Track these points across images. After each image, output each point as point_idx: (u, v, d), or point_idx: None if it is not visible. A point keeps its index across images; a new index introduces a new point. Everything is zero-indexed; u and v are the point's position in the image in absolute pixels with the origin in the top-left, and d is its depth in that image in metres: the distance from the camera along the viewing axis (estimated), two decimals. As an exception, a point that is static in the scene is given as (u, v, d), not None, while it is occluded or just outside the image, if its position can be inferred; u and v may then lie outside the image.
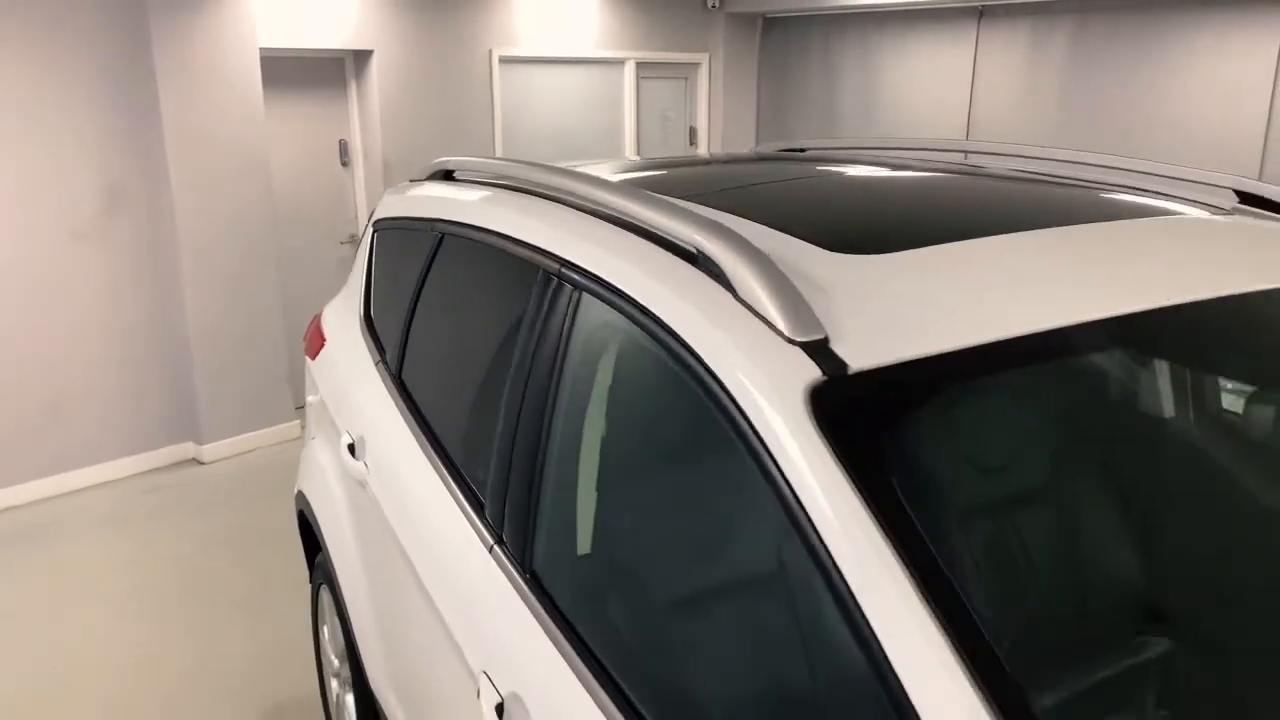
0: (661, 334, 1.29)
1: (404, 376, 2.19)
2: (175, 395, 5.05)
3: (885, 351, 1.14)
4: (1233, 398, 1.33)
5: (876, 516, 0.98)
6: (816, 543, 1.00)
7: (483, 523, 1.66)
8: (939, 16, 6.88)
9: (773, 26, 7.88)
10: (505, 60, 6.26)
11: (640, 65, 7.12)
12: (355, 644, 2.30)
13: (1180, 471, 1.26)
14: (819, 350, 1.14)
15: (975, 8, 6.67)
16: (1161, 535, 1.20)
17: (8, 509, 4.55)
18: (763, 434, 1.09)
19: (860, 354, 1.14)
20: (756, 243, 1.34)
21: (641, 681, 1.25)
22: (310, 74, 5.58)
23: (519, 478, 1.57)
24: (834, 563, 0.98)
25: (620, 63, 7.01)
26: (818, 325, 1.16)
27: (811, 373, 1.11)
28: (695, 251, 1.33)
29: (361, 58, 5.67)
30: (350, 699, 2.56)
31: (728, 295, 1.25)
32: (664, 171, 2.12)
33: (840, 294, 1.25)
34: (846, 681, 0.96)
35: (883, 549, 0.96)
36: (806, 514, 1.02)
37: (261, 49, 5.10)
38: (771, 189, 1.84)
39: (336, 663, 2.69)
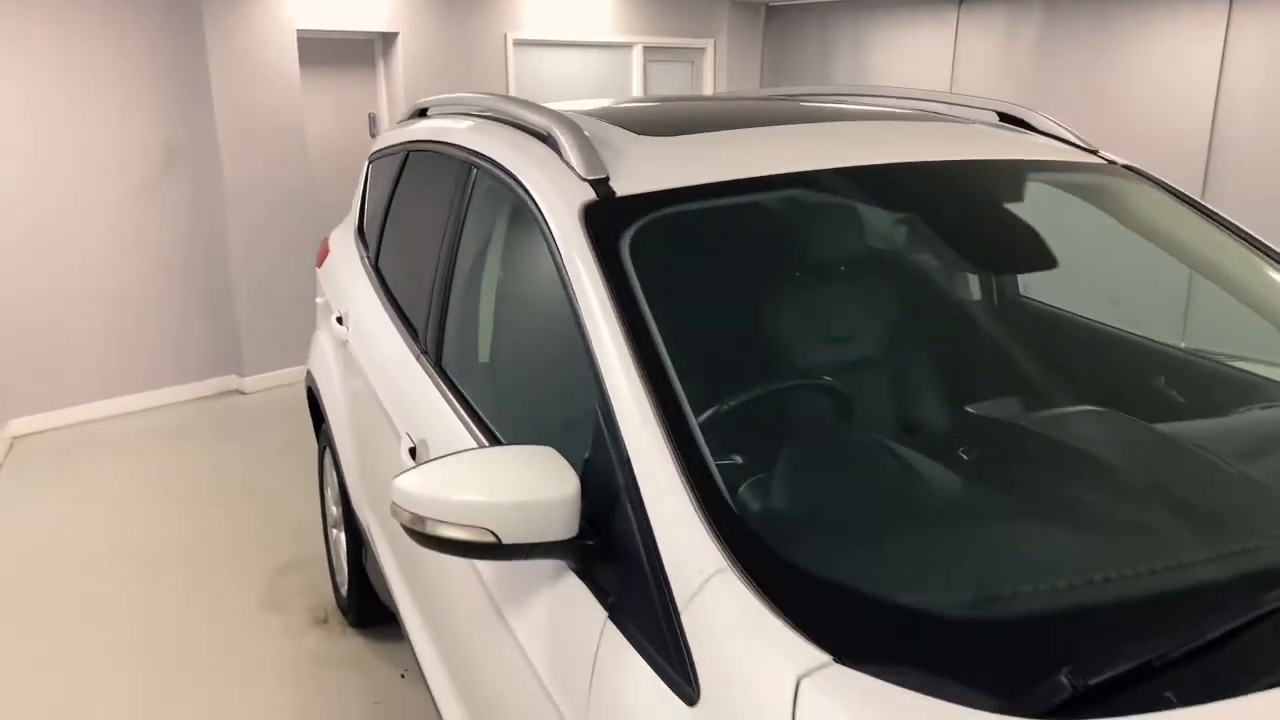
0: (515, 186, 1.92)
1: (379, 263, 2.84)
2: (220, 332, 5.78)
3: (641, 185, 1.75)
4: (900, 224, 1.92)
5: (608, 282, 1.57)
6: (575, 298, 1.60)
7: (415, 341, 2.31)
8: (923, 2, 7.40)
9: (775, 14, 8.45)
10: (519, 43, 6.91)
11: (648, 49, 7.73)
12: (342, 474, 2.96)
13: (853, 270, 1.86)
14: (600, 184, 1.75)
15: (956, -5, 7.18)
16: (837, 312, 1.80)
17: (80, 423, 5.31)
18: (556, 235, 1.71)
19: (624, 187, 1.75)
20: (594, 130, 1.96)
21: (500, 423, 1.87)
22: (343, 54, 6.29)
23: (437, 306, 2.21)
24: (579, 307, 1.58)
25: (628, 47, 7.63)
26: (602, 169, 1.77)
27: (590, 196, 1.72)
28: (545, 134, 1.95)
29: (388, 39, 6.36)
30: (342, 535, 3.22)
31: (556, 157, 1.86)
32: (607, 105, 2.70)
33: (629, 156, 1.86)
34: (589, 399, 1.52)
35: (607, 302, 1.54)
36: (573, 283, 1.62)
37: (299, 30, 5.81)
38: (647, 109, 2.45)
39: (334, 510, 3.35)
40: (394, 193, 2.85)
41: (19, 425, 5.15)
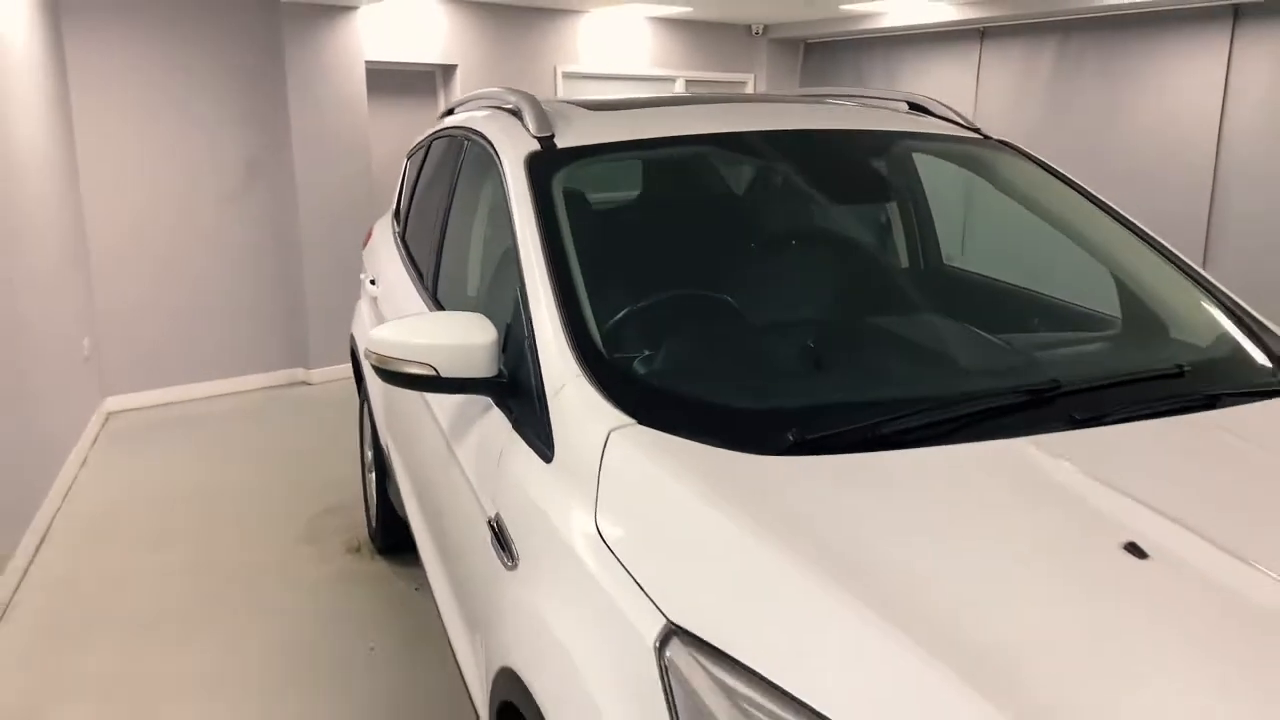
0: (489, 148, 2.45)
1: (405, 233, 3.42)
2: (291, 329, 6.45)
3: (576, 140, 2.27)
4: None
5: (536, 203, 2.08)
6: (513, 218, 2.11)
7: (420, 284, 2.86)
8: (948, 37, 7.85)
9: (813, 51, 8.97)
10: (568, 75, 7.55)
11: (689, 83, 8.31)
12: (374, 418, 3.51)
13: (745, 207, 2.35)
14: (546, 140, 2.27)
15: (978, 29, 7.62)
16: (706, 220, 2.29)
17: (164, 404, 6.01)
18: (508, 177, 2.22)
19: (564, 141, 2.27)
20: (557, 108, 2.49)
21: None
22: (407, 83, 6.99)
23: (434, 251, 2.76)
24: (514, 222, 2.09)
25: (671, 80, 8.22)
26: (549, 129, 2.29)
27: (536, 147, 2.25)
28: (515, 108, 2.49)
29: (448, 71, 7.06)
30: (373, 476, 3.77)
31: (520, 124, 2.40)
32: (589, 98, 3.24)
33: (576, 123, 2.37)
34: (517, 299, 2.02)
35: (531, 215, 2.05)
36: (513, 207, 2.13)
37: (368, 61, 6.53)
38: (616, 98, 2.97)
39: (369, 455, 3.90)
40: (419, 176, 3.43)
41: (113, 403, 5.86)
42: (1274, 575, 1.23)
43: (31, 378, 4.22)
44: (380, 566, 3.79)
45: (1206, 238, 6.63)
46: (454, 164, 2.82)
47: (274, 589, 3.63)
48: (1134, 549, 1.27)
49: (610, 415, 1.57)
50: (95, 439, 5.37)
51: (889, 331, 2.00)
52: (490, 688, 1.71)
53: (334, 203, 6.39)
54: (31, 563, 3.87)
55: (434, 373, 1.86)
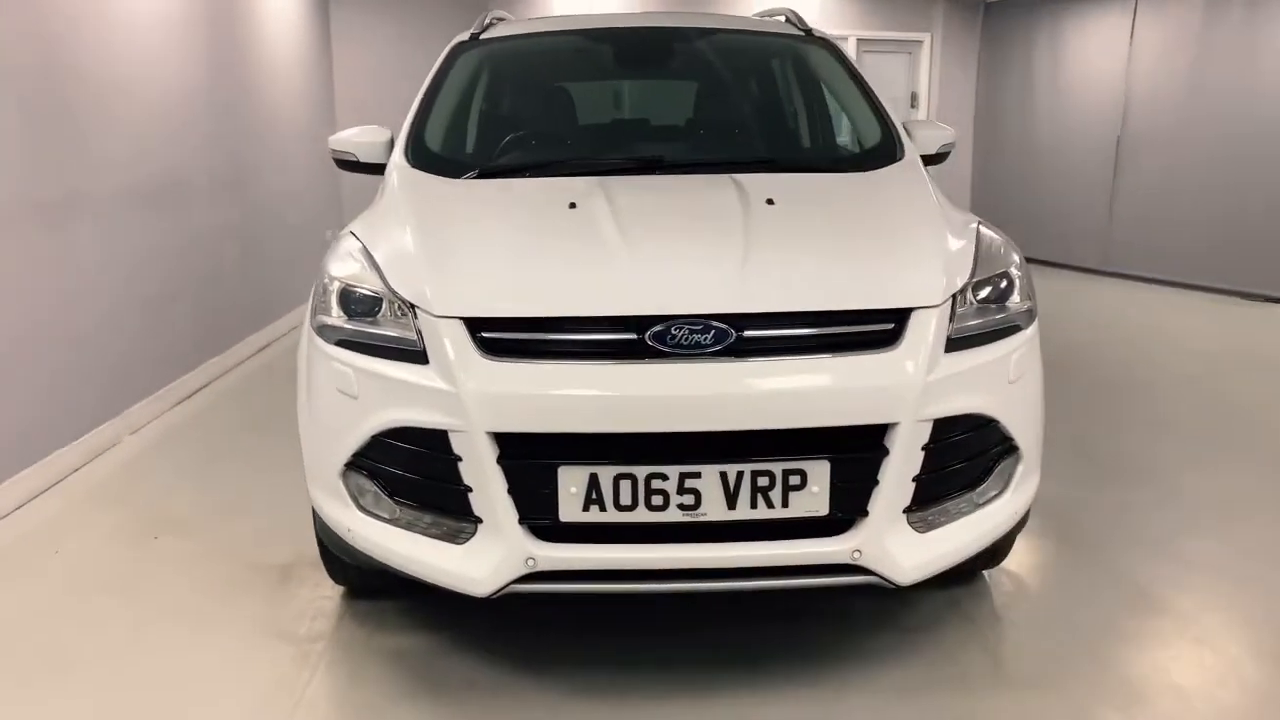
0: (463, 46, 3.78)
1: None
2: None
3: (492, 35, 3.54)
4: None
5: (438, 70, 3.37)
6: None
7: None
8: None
9: (992, 10, 9.37)
10: (739, 35, 8.65)
11: (862, 41, 9.09)
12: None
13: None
14: (475, 35, 3.55)
15: (1134, -19, 7.81)
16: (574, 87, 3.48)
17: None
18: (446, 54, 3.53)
19: (486, 36, 3.54)
20: (521, 20, 3.79)
21: None
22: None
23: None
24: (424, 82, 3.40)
25: (843, 39, 9.04)
26: (483, 29, 3.58)
27: (465, 39, 3.54)
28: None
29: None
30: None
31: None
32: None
33: (511, 27, 3.64)
34: None
35: (432, 77, 3.34)
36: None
37: (560, 24, 8.06)
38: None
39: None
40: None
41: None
42: (617, 222, 2.29)
43: (287, 249, 6.15)
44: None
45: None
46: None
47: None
48: (572, 205, 2.39)
49: (403, 163, 2.88)
50: (332, 302, 7.32)
51: (597, 135, 3.14)
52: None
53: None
54: (253, 354, 5.75)
55: (356, 159, 3.23)
